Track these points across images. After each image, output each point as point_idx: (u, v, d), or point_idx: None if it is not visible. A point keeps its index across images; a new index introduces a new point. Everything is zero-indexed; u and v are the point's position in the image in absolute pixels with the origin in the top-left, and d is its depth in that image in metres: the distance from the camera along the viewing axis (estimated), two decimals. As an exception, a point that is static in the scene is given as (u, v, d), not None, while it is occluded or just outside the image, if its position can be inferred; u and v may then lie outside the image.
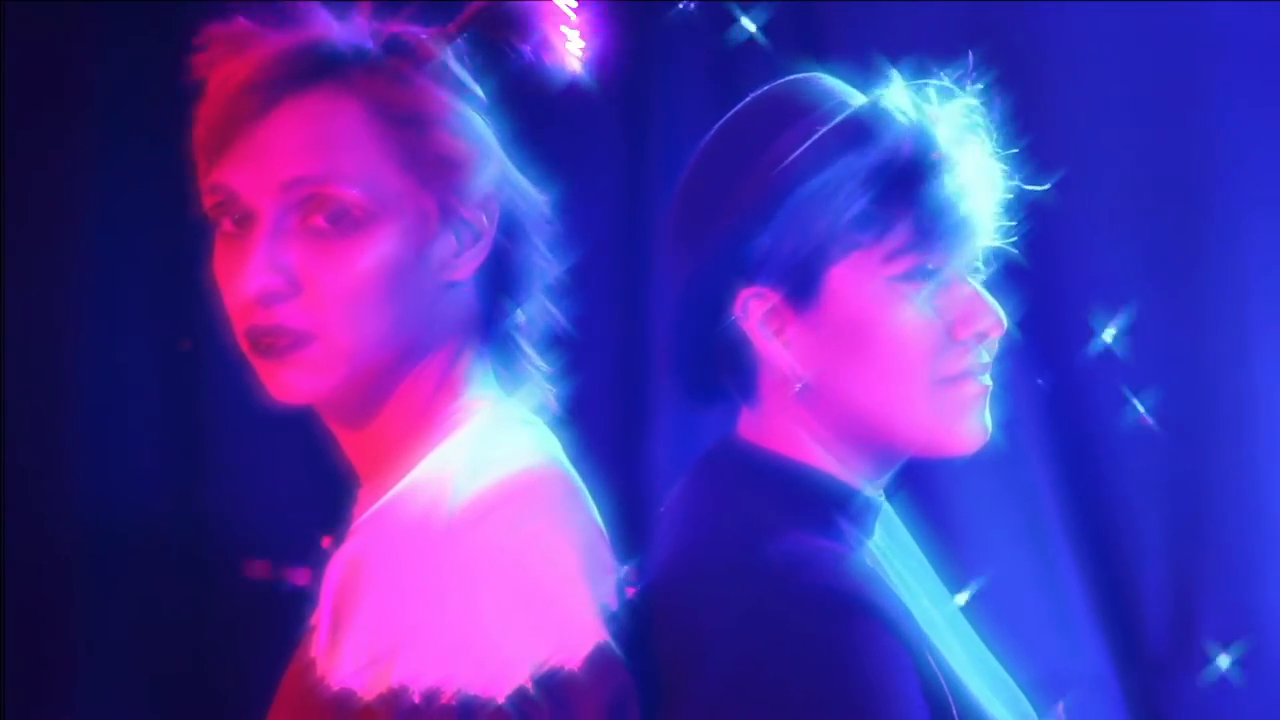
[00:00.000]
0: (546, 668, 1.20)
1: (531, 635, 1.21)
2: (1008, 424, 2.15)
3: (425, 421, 1.36)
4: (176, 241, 2.08)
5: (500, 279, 1.42)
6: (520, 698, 1.19)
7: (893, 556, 1.42)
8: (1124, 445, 2.23)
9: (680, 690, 1.23)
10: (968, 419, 1.34)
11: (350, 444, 1.40)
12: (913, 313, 1.31)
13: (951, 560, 1.55)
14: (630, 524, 1.46)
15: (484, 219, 1.38)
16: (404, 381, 1.37)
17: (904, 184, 1.30)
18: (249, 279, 1.30)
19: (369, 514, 1.32)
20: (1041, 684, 1.48)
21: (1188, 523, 2.24)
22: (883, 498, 1.41)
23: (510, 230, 1.41)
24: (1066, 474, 2.28)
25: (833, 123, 1.33)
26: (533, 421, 1.40)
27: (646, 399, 2.27)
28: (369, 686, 1.22)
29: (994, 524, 2.26)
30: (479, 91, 1.41)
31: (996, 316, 1.33)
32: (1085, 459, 2.26)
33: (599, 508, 1.39)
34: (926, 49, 1.39)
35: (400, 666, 1.21)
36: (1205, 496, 2.23)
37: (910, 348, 1.31)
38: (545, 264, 1.44)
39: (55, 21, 2.19)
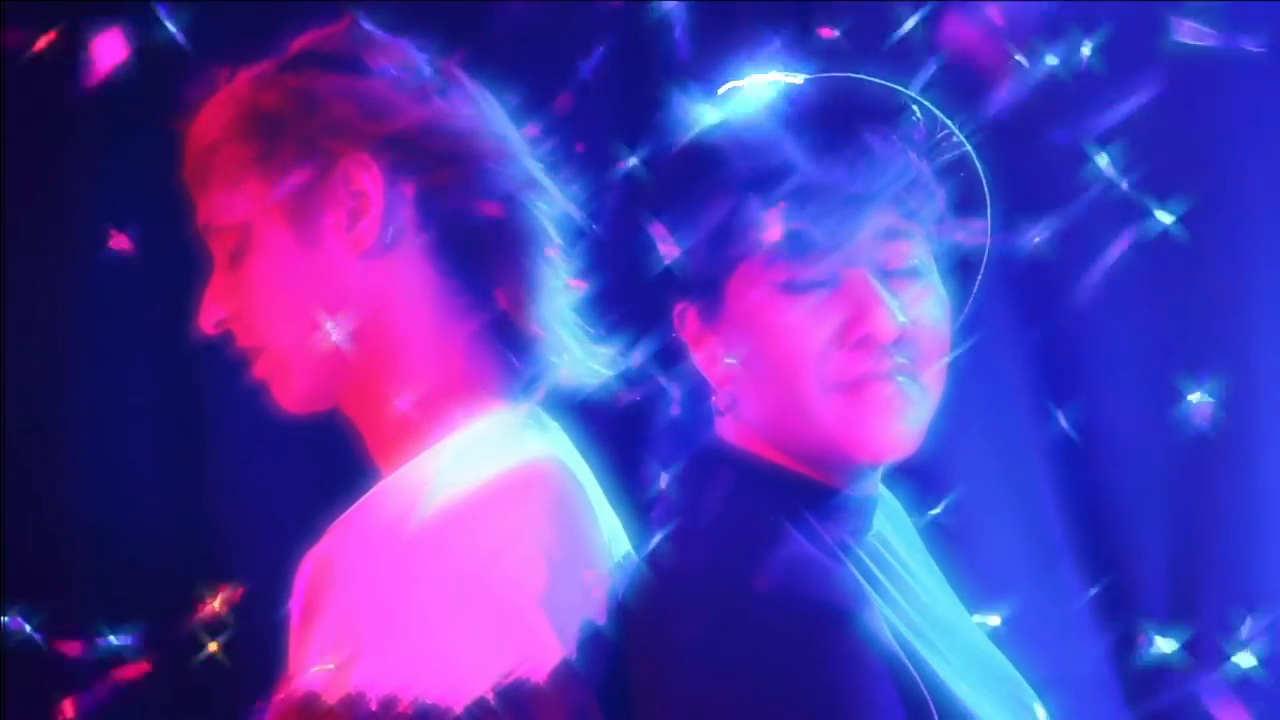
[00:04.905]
0: (509, 680, 1.20)
1: (494, 647, 1.21)
2: (1008, 424, 2.20)
3: (430, 419, 1.36)
4: (178, 242, 2.07)
5: (460, 249, 1.40)
6: (480, 709, 1.19)
7: (894, 552, 1.42)
8: (1125, 444, 2.23)
9: (653, 695, 1.23)
10: (877, 425, 1.29)
11: (368, 440, 1.41)
12: (797, 318, 1.29)
13: (950, 561, 1.55)
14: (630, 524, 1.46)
15: (365, 181, 1.36)
16: (385, 370, 1.37)
17: (762, 196, 1.28)
18: (204, 313, 1.42)
19: (345, 514, 1.32)
20: (1041, 684, 1.48)
21: (1189, 521, 2.25)
22: (877, 494, 1.40)
23: (443, 187, 1.38)
24: (1067, 473, 2.28)
25: (698, 139, 1.32)
26: (542, 428, 1.40)
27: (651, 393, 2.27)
28: (331, 689, 1.23)
29: (994, 524, 2.26)
30: (354, 57, 1.40)
31: (884, 319, 1.27)
32: (1086, 458, 2.27)
33: (607, 509, 1.38)
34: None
35: (359, 671, 1.21)
36: (1206, 494, 2.23)
37: (795, 353, 1.29)
38: (529, 226, 1.41)
39: (55, 21, 2.19)
